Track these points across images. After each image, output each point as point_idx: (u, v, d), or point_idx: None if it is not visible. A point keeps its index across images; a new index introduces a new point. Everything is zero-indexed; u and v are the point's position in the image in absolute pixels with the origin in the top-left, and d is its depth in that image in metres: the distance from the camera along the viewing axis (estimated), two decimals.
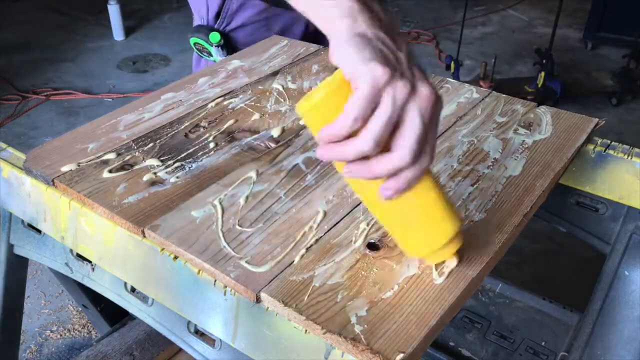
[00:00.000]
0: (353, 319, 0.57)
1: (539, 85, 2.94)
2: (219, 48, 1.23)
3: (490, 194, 0.76)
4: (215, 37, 1.23)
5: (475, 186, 0.77)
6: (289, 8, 1.24)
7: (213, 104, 0.96)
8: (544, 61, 3.00)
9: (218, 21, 1.26)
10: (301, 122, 0.91)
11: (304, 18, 1.28)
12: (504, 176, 0.79)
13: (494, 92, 1.01)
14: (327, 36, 0.59)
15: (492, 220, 0.71)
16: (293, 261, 0.64)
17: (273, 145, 0.86)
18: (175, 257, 0.67)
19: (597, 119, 0.93)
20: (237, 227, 0.69)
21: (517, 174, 0.80)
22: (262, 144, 0.86)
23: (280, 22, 1.27)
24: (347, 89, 0.52)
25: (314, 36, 1.32)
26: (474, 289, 0.65)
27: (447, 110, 0.95)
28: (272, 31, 1.26)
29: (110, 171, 0.79)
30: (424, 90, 0.53)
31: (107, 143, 0.85)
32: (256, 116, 0.93)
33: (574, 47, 3.82)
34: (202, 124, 0.91)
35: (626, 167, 0.89)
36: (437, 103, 0.54)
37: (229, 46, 1.26)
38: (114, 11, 3.81)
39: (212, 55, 1.26)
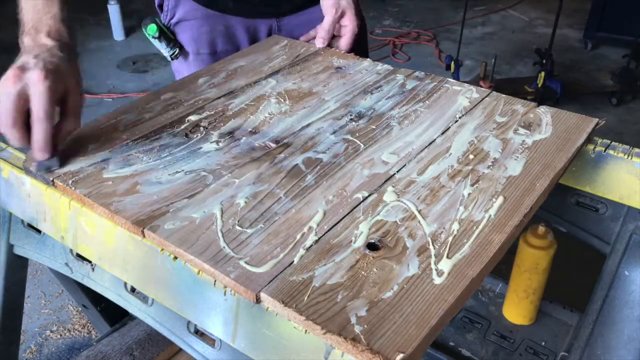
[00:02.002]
0: (353, 319, 0.57)
1: (539, 85, 2.94)
2: (157, 40, 1.22)
3: (490, 194, 0.76)
4: (152, 28, 1.22)
5: (475, 186, 0.77)
6: (227, 12, 1.20)
7: (213, 104, 0.96)
8: (544, 61, 3.00)
9: (162, 14, 1.26)
10: (301, 122, 0.91)
11: (250, 24, 1.26)
12: (504, 176, 0.79)
13: (494, 92, 1.01)
14: None
15: (492, 220, 0.71)
16: (293, 261, 0.64)
17: (273, 145, 0.86)
18: (175, 257, 0.67)
19: (597, 119, 0.93)
20: (237, 227, 0.69)
21: (517, 174, 0.80)
22: (262, 144, 0.86)
23: (221, 23, 1.23)
24: None
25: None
26: (474, 289, 0.65)
27: (447, 110, 0.95)
28: (216, 31, 1.23)
29: (110, 171, 0.78)
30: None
31: (107, 143, 0.85)
32: (256, 116, 0.93)
33: (574, 47, 3.83)
34: (202, 124, 0.91)
35: (626, 167, 0.89)
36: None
37: (173, 41, 1.23)
38: (114, 11, 3.81)
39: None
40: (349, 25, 1.15)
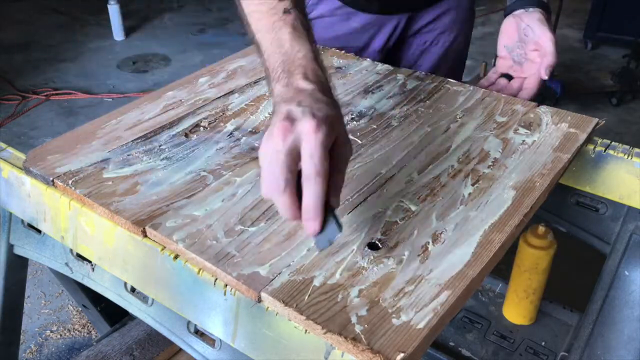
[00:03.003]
0: (353, 319, 0.57)
1: None
2: None
3: (490, 193, 0.75)
4: None
5: (475, 186, 0.77)
6: (366, 10, 1.20)
7: (213, 104, 0.96)
8: None
9: None
10: None
11: (386, 28, 1.24)
12: (504, 176, 0.79)
13: (494, 92, 1.01)
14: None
15: (492, 220, 0.71)
16: (294, 260, 0.64)
17: None
18: (176, 257, 0.67)
19: (597, 119, 0.93)
20: (239, 226, 0.69)
21: (517, 174, 0.80)
22: None
23: (361, 21, 1.23)
24: None
25: (393, 52, 1.28)
26: (474, 289, 0.65)
27: (447, 110, 0.95)
28: (351, 28, 1.23)
29: (110, 171, 0.78)
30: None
31: (107, 143, 0.85)
32: (256, 116, 0.93)
33: (574, 47, 3.83)
34: (202, 124, 0.91)
35: (626, 167, 0.89)
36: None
37: None
38: (114, 11, 3.81)
39: None
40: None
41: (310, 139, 0.59)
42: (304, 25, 0.70)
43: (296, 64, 0.67)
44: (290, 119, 0.60)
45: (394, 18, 1.24)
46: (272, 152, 0.60)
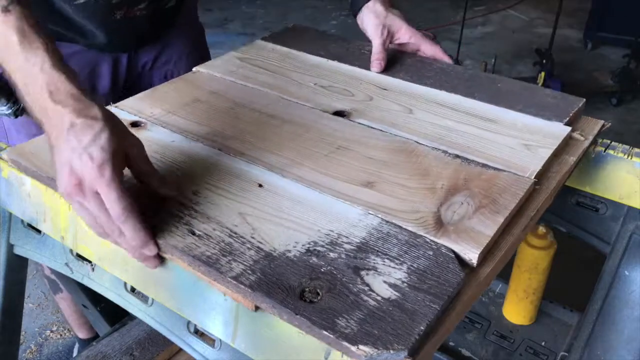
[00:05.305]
0: None
1: (539, 85, 2.94)
2: None
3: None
4: None
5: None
6: (83, 43, 1.04)
7: None
8: (544, 61, 3.00)
9: None
10: None
11: (102, 70, 1.09)
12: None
13: None
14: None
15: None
16: None
17: None
18: None
19: (602, 121, 0.93)
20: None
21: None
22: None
23: (79, 62, 1.05)
24: None
25: (132, 91, 1.05)
26: (481, 292, 0.65)
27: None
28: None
29: None
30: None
31: None
32: None
33: (574, 47, 3.83)
34: None
35: (626, 167, 0.89)
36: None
37: (14, 95, 0.98)
38: None
39: None
40: (414, 36, 1.08)
41: (100, 185, 0.59)
42: (30, 23, 0.62)
43: (38, 84, 0.61)
44: (75, 175, 0.59)
45: (105, 61, 1.09)
46: (79, 208, 0.61)
